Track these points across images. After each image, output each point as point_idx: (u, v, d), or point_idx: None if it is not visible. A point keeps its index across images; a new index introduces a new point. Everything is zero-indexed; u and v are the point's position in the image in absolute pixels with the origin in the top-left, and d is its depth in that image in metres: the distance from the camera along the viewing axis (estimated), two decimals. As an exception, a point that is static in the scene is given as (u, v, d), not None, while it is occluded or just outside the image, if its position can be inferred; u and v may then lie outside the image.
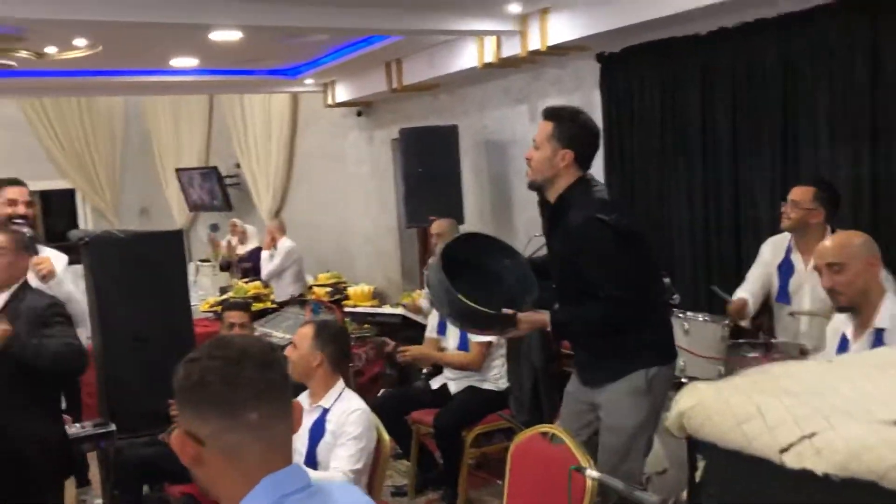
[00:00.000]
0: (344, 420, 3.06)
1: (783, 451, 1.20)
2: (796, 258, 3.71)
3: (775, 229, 3.84)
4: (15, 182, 4.06)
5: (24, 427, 3.29)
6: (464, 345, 4.34)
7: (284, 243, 7.35)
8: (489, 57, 5.40)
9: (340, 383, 3.22)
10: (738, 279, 3.97)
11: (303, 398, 3.34)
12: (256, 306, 6.24)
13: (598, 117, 4.69)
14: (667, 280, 3.60)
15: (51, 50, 5.42)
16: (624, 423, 2.87)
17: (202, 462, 1.30)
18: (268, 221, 8.88)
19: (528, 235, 4.71)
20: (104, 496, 4.07)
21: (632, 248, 2.81)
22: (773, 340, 3.61)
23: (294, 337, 3.22)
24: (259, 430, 1.28)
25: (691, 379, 3.31)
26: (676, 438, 1.42)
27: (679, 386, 2.68)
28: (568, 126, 2.86)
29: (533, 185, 2.97)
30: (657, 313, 3.04)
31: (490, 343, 4.31)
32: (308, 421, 3.20)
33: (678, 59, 4.55)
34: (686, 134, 4.57)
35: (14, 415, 3.28)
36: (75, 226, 10.79)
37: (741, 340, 3.71)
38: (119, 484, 3.90)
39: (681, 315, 3.63)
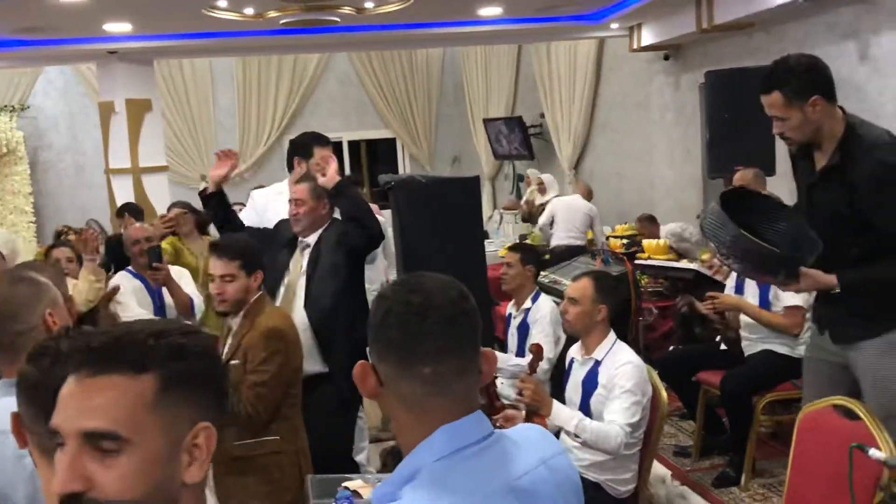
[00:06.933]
0: (615, 373, 2.99)
1: None
2: None
3: None
4: (325, 142, 4.14)
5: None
6: (763, 306, 3.97)
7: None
8: (813, -13, 4.82)
9: (612, 335, 3.13)
10: None
11: (574, 350, 3.30)
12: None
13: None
14: None
15: (369, 5, 5.81)
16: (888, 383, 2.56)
17: (381, 397, 1.25)
18: (567, 171, 8.89)
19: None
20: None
21: None
22: None
23: (571, 292, 3.13)
24: (432, 385, 1.20)
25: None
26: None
27: None
28: (795, 82, 2.59)
29: (800, 149, 2.72)
30: None
31: (803, 308, 3.90)
32: (581, 373, 3.16)
33: None
34: None
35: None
36: (396, 173, 11.65)
37: None
38: None
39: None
